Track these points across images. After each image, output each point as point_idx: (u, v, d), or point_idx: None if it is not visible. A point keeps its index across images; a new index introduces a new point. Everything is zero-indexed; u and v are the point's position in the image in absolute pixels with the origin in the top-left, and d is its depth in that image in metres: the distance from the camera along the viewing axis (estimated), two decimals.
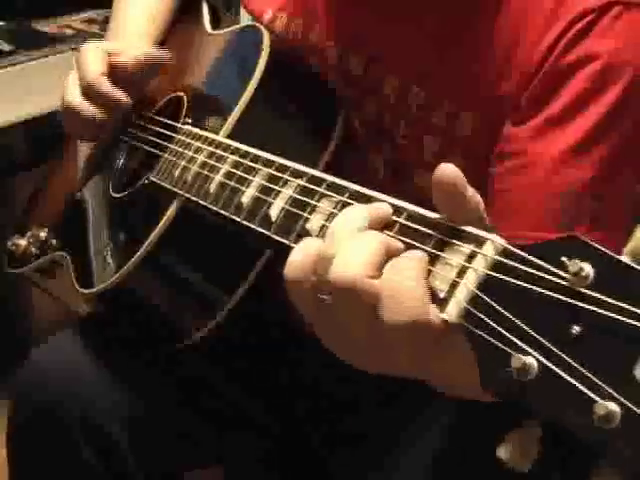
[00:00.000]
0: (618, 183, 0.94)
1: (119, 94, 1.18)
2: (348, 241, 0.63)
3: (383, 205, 0.68)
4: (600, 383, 0.49)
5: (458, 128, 1.00)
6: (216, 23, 1.31)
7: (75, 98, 1.19)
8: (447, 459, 1.10)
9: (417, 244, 0.63)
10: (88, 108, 1.18)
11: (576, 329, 0.51)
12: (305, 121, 1.08)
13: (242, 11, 1.32)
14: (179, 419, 1.20)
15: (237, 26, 1.21)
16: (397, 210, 0.66)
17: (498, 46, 0.97)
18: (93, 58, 1.18)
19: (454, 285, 0.58)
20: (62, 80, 1.25)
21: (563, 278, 0.53)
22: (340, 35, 1.10)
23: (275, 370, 1.26)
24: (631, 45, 0.93)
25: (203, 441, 1.23)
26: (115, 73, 1.19)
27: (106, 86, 1.17)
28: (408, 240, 0.64)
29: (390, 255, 0.63)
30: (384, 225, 0.66)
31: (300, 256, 0.65)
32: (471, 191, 0.63)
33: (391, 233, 0.65)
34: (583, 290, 0.52)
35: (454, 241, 0.61)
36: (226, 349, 1.20)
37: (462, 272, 0.59)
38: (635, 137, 0.94)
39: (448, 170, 0.62)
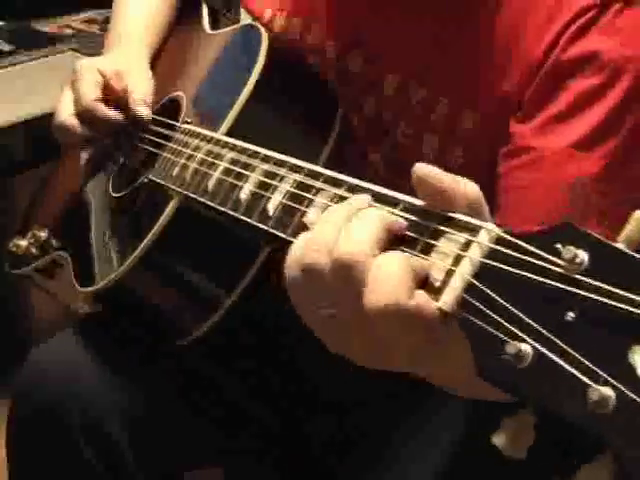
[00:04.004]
0: (626, 178, 0.94)
1: (113, 118, 1.21)
2: (349, 220, 0.64)
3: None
4: (594, 368, 0.49)
5: (458, 126, 1.00)
6: (215, 24, 1.31)
7: (69, 117, 1.22)
8: (446, 458, 1.10)
9: (413, 234, 0.63)
10: (80, 129, 1.22)
11: (571, 315, 0.51)
12: (303, 119, 1.08)
13: (242, 11, 1.32)
14: (179, 419, 1.20)
15: (236, 26, 1.21)
16: (393, 201, 0.66)
17: (498, 44, 0.97)
18: (88, 81, 1.21)
19: (449, 274, 0.59)
20: (62, 80, 1.26)
21: (557, 265, 0.53)
22: (339, 34, 1.10)
23: (275, 369, 1.26)
24: (633, 41, 0.93)
25: (203, 441, 1.23)
26: (110, 94, 1.22)
27: (101, 111, 1.20)
28: (404, 230, 0.64)
29: (392, 232, 0.63)
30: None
31: (299, 247, 0.66)
32: (450, 180, 0.63)
33: None
34: (578, 277, 0.52)
35: (449, 230, 0.61)
36: (226, 348, 1.20)
37: (457, 261, 0.59)
38: (638, 133, 0.94)
39: (417, 170, 0.62)
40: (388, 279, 0.59)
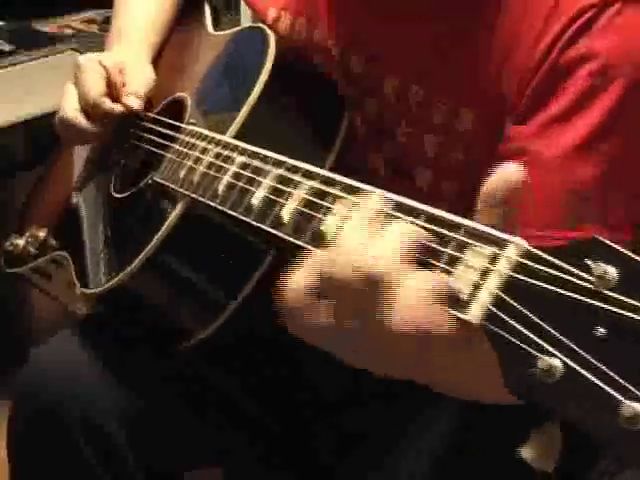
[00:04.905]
0: (624, 181, 0.95)
1: (117, 112, 1.21)
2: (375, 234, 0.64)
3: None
4: (625, 384, 0.50)
5: (458, 126, 1.01)
6: (216, 23, 1.31)
7: (73, 112, 1.22)
8: (447, 459, 1.11)
9: (437, 247, 0.63)
10: (86, 124, 1.22)
11: (600, 331, 0.52)
12: (311, 122, 1.08)
13: (242, 11, 1.32)
14: (179, 419, 1.20)
15: (241, 27, 1.21)
16: (416, 213, 0.66)
17: (498, 44, 0.97)
18: (93, 76, 1.21)
19: (477, 287, 0.59)
20: (62, 80, 1.26)
21: (587, 280, 0.53)
22: (340, 34, 1.10)
23: (275, 370, 1.26)
24: (631, 41, 0.93)
25: (203, 441, 1.23)
26: (114, 89, 1.22)
27: (107, 106, 1.20)
28: (428, 243, 0.64)
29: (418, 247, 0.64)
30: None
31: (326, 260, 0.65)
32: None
33: None
34: (607, 292, 0.52)
35: (475, 243, 0.61)
36: (227, 349, 1.20)
37: (485, 274, 0.59)
38: (638, 134, 0.94)
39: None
40: (420, 302, 0.60)
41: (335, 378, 1.20)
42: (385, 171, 1.10)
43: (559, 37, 0.93)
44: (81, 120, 1.21)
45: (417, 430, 1.14)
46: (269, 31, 1.11)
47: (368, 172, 1.10)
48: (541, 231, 0.90)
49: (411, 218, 0.66)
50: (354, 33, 1.09)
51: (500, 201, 0.62)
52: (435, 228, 0.64)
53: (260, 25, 1.15)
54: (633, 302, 0.51)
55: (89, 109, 1.21)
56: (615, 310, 0.52)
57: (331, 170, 0.79)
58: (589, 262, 0.53)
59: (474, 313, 0.58)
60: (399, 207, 0.67)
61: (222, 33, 1.25)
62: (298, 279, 0.66)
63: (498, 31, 0.97)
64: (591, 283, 0.53)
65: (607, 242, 0.53)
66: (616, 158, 0.93)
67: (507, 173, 0.62)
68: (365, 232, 0.65)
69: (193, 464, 1.29)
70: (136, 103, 1.20)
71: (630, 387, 0.50)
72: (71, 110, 1.21)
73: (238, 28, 1.21)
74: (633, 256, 0.52)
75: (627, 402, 0.49)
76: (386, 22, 1.06)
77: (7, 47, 1.91)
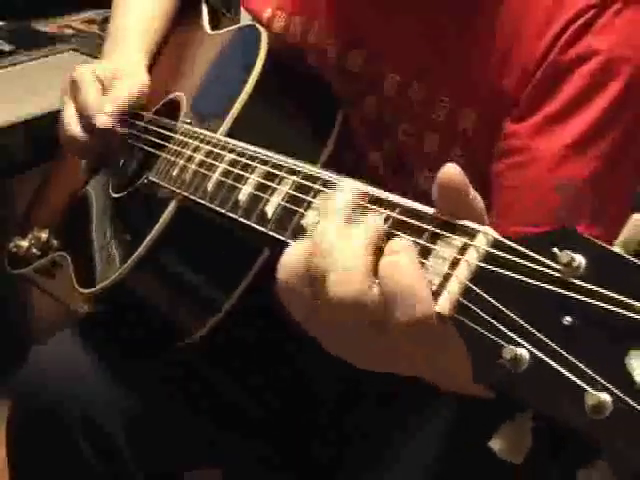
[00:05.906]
0: (619, 179, 0.95)
1: (117, 127, 1.20)
2: (339, 244, 0.63)
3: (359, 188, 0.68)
4: (591, 373, 0.49)
5: (459, 124, 1.01)
6: (215, 23, 1.31)
7: (75, 130, 1.22)
8: (446, 458, 1.10)
9: (411, 238, 0.62)
10: (89, 140, 1.22)
11: (568, 319, 0.51)
12: (304, 120, 1.08)
13: (242, 11, 1.32)
14: (179, 419, 1.20)
15: (236, 26, 1.21)
16: (390, 205, 0.66)
17: (498, 43, 0.97)
18: (91, 91, 1.21)
19: (446, 278, 0.58)
20: (62, 80, 1.26)
21: (554, 269, 0.53)
22: (340, 33, 1.10)
23: (274, 369, 1.26)
24: (631, 41, 0.93)
25: (203, 441, 1.23)
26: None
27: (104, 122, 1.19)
28: (402, 234, 0.63)
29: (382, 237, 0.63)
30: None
31: (292, 259, 0.65)
32: (473, 194, 0.62)
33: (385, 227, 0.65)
34: (574, 281, 0.52)
35: (446, 234, 0.61)
36: (225, 348, 1.20)
37: (454, 264, 0.58)
38: (635, 133, 0.94)
39: (453, 172, 0.61)
40: (407, 291, 0.59)
41: (335, 378, 1.20)
42: (384, 170, 1.10)
43: (559, 36, 0.93)
44: (83, 136, 1.21)
45: (417, 430, 1.13)
46: (262, 29, 1.11)
47: (367, 171, 1.10)
48: (535, 227, 0.90)
49: (387, 211, 0.66)
50: (354, 31, 1.09)
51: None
52: (409, 220, 0.64)
53: (254, 24, 1.15)
54: (601, 290, 0.50)
55: (88, 126, 1.20)
56: (583, 299, 0.51)
57: (327, 167, 0.79)
58: (556, 250, 0.52)
59: (443, 304, 0.58)
60: (374, 199, 0.67)
61: (218, 32, 1.26)
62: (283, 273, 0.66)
63: (498, 29, 0.97)
64: (559, 271, 0.52)
65: (576, 231, 0.53)
66: (612, 156, 0.93)
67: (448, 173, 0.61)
68: (334, 229, 0.65)
69: (193, 464, 1.29)
70: (101, 120, 1.19)
71: (596, 376, 0.49)
72: (71, 127, 1.21)
73: (233, 27, 1.21)
74: (601, 244, 0.52)
75: (592, 391, 0.49)
76: (386, 19, 1.06)
77: (7, 47, 1.91)
